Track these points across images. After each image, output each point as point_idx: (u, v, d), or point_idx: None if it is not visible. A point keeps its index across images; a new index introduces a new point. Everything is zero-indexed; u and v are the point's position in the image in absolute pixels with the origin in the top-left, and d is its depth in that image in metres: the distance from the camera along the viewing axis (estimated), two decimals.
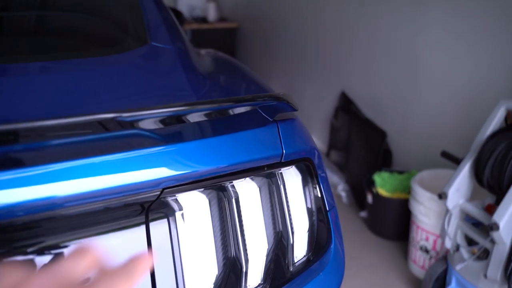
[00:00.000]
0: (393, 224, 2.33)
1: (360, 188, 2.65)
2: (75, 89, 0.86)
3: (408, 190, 2.26)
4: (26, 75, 0.91)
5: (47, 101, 0.78)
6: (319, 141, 3.41)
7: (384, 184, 2.36)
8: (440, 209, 1.89)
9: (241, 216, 0.82)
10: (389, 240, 2.37)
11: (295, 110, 0.80)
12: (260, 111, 0.83)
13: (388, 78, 2.61)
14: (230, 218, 0.81)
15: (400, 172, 2.45)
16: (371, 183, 2.42)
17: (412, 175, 2.35)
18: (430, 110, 2.34)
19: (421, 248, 2.01)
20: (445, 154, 1.81)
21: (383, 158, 2.60)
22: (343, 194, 2.81)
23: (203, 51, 1.52)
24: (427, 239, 1.98)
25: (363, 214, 2.57)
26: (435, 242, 1.96)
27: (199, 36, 4.77)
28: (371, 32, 2.69)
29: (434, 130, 2.33)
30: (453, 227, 1.69)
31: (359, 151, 2.82)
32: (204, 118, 0.76)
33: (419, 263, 2.04)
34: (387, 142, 2.63)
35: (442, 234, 1.73)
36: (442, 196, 1.67)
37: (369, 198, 2.39)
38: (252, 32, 4.51)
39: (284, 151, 0.83)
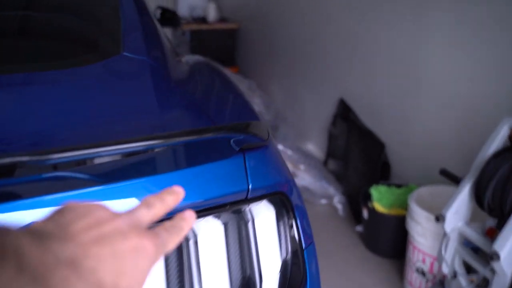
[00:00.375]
0: (389, 241, 2.22)
1: (357, 200, 2.54)
2: (16, 111, 0.75)
3: (405, 205, 2.14)
4: None
5: None
6: (317, 148, 3.30)
7: (381, 199, 2.25)
8: (438, 229, 1.77)
9: (200, 261, 0.71)
10: (385, 258, 2.26)
11: (262, 141, 0.70)
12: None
13: (388, 86, 2.50)
14: (187, 263, 0.70)
15: (398, 186, 2.33)
16: (368, 197, 2.30)
17: (410, 189, 2.23)
18: (430, 121, 2.23)
19: (417, 270, 1.90)
20: (444, 173, 1.69)
21: (381, 171, 2.48)
22: (339, 206, 2.70)
23: (185, 59, 1.41)
24: (423, 261, 1.87)
25: (359, 228, 2.46)
26: (432, 264, 1.84)
27: (198, 37, 4.65)
28: (372, 38, 2.58)
29: (435, 142, 2.22)
30: (451, 252, 1.58)
31: (357, 162, 2.71)
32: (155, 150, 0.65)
33: (415, 285, 1.93)
34: (386, 153, 2.52)
35: (439, 258, 1.62)
36: (439, 218, 1.56)
37: (365, 213, 2.27)
38: (253, 34, 4.40)
39: (250, 186, 0.72)
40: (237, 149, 0.72)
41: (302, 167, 2.76)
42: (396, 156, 2.49)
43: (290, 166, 2.73)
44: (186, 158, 0.68)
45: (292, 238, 0.84)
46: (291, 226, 0.84)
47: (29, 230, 0.31)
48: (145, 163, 0.64)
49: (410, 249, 1.94)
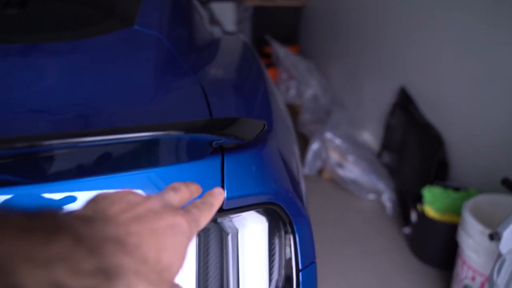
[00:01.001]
0: (437, 250, 2.00)
1: (408, 199, 2.32)
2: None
3: (461, 212, 1.91)
4: None
5: None
6: (373, 138, 3.07)
7: (434, 202, 2.02)
8: (493, 246, 1.54)
9: None
10: (431, 267, 2.04)
11: (243, 142, 0.56)
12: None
13: (455, 77, 2.22)
14: None
15: (456, 189, 2.08)
16: (418, 198, 2.08)
17: (470, 195, 1.98)
18: (500, 120, 1.94)
19: (465, 287, 1.68)
20: (506, 183, 1.45)
21: (437, 170, 2.23)
22: (387, 204, 2.48)
23: (224, 38, 1.28)
24: (473, 279, 1.64)
25: (407, 230, 2.25)
26: (482, 285, 1.62)
27: (261, 14, 4.49)
28: (440, 23, 2.30)
29: (503, 145, 1.94)
30: (505, 277, 1.35)
31: (412, 157, 2.47)
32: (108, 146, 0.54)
33: None
34: (445, 151, 2.26)
35: (490, 282, 1.40)
36: (494, 237, 1.33)
37: (413, 216, 2.06)
38: (318, 13, 4.16)
39: (225, 195, 0.59)
40: (212, 149, 0.58)
41: (350, 158, 2.56)
42: (457, 155, 2.23)
43: (336, 156, 2.54)
44: (148, 156, 0.56)
45: (286, 255, 0.70)
46: (286, 242, 0.70)
47: (73, 214, 0.32)
48: (94, 161, 0.52)
49: (459, 263, 1.72)
